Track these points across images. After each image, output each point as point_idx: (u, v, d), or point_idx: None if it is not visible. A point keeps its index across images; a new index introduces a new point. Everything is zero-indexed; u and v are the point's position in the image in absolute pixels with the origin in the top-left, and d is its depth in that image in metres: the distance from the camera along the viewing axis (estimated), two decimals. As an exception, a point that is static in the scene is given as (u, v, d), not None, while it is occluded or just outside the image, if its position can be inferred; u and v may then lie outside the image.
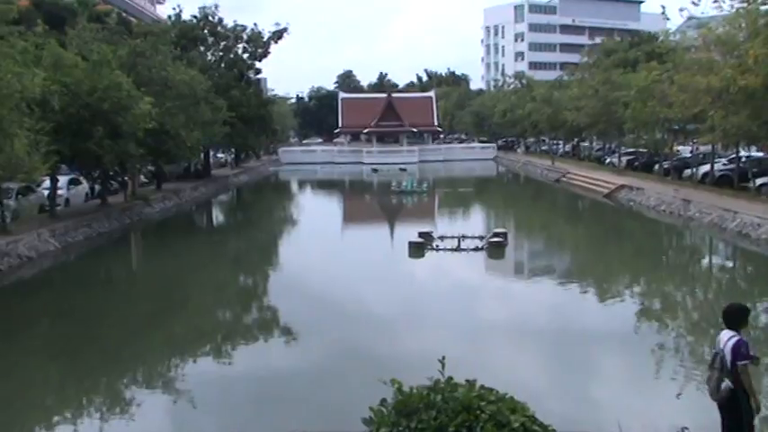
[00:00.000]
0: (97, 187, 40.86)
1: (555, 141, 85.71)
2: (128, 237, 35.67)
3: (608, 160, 63.98)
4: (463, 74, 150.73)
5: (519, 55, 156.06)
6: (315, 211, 50.05)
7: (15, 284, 24.28)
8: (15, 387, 14.25)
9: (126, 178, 42.27)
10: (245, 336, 18.01)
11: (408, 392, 4.68)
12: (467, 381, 4.79)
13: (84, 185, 40.90)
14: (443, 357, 4.89)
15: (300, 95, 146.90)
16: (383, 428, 4.54)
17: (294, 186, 72.33)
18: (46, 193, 34.34)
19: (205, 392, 13.48)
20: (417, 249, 27.23)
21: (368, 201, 59.03)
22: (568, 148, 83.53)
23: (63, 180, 36.83)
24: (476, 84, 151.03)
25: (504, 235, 28.52)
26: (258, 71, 67.47)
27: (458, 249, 27.47)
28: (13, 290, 23.69)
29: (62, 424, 12.50)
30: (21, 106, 21.51)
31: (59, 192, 35.39)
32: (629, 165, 57.42)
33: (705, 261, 29.36)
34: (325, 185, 72.71)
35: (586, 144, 78.34)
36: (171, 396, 13.44)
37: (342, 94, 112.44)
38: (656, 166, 51.77)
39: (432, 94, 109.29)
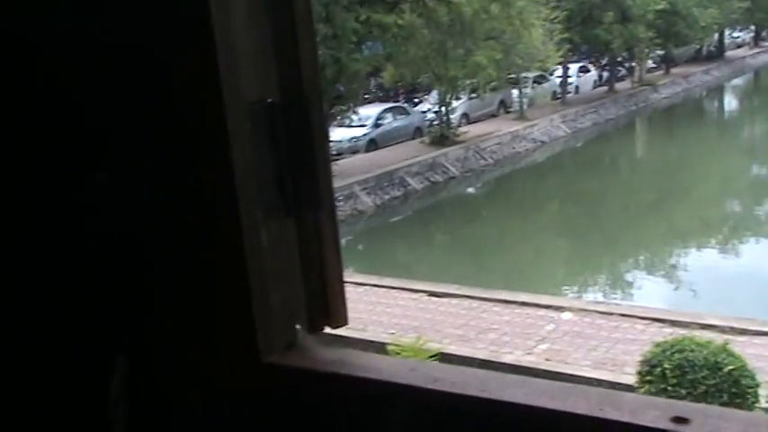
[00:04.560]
0: (605, 74, 41.51)
1: None
2: (633, 123, 35.71)
3: None
4: None
5: None
6: None
7: (529, 166, 26.64)
8: (527, 258, 15.92)
9: (633, 64, 41.90)
10: (757, 230, 16.75)
11: None
12: None
13: (593, 73, 41.89)
14: None
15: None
16: None
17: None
18: (557, 80, 36.26)
19: (708, 285, 13.09)
20: None
21: None
22: None
23: (573, 68, 38.29)
24: None
25: None
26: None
27: None
28: (527, 171, 26.06)
29: (567, 295, 13.54)
30: (537, -4, 22.88)
31: (569, 79, 37.00)
32: None
33: None
34: None
35: None
36: (671, 284, 13.44)
37: None
38: None
39: None
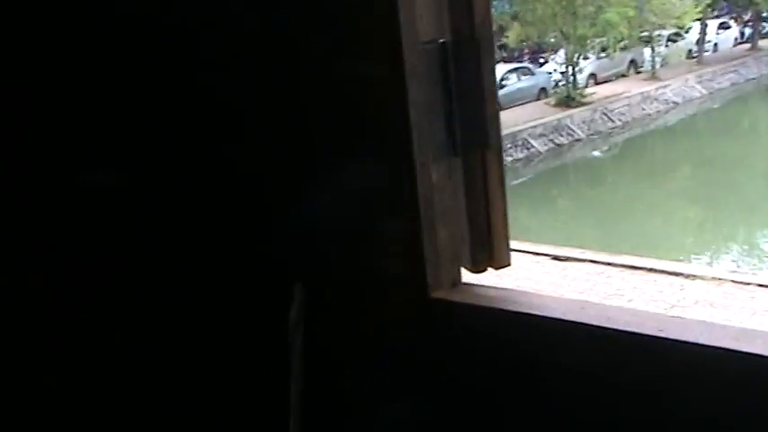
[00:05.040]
0: (747, 31, 38.80)
1: None
2: (778, 84, 33.25)
3: None
4: None
5: None
6: None
7: (660, 128, 25.43)
8: (656, 224, 15.30)
9: (780, 20, 38.94)
10: None
11: None
12: None
13: (734, 29, 39.23)
14: None
15: None
16: None
17: None
18: (693, 38, 34.19)
19: None
20: None
21: None
22: None
23: (712, 25, 35.97)
24: None
25: None
26: None
27: None
28: (658, 134, 24.90)
29: (695, 263, 12.96)
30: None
31: (707, 37, 34.81)
32: None
33: None
34: None
35: None
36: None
37: None
38: None
39: None
